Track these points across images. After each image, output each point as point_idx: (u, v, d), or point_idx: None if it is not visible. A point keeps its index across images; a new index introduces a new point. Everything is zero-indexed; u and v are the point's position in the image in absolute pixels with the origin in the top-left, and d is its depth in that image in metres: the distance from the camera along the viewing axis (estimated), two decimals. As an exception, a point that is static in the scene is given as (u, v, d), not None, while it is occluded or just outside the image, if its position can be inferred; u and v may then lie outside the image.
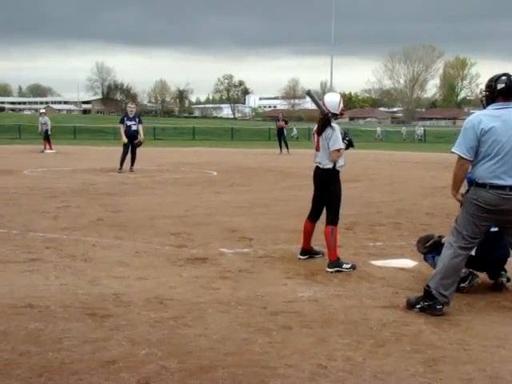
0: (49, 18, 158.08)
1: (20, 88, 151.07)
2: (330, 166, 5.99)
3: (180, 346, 3.73)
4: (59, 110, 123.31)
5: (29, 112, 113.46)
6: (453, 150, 4.47)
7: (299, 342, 3.83)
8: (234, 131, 51.70)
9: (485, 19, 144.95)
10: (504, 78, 4.44)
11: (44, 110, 28.26)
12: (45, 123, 26.25)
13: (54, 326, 4.05)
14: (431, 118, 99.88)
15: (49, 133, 26.35)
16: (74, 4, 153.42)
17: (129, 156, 16.11)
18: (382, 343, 3.84)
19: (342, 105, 6.09)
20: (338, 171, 6.07)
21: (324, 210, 6.13)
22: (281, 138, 27.06)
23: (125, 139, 16.02)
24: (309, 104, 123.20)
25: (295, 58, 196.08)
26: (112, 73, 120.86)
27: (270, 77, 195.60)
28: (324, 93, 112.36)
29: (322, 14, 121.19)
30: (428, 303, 4.49)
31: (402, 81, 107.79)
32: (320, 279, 5.43)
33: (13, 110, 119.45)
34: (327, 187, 6.04)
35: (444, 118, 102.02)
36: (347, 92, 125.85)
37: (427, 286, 4.54)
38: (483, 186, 4.39)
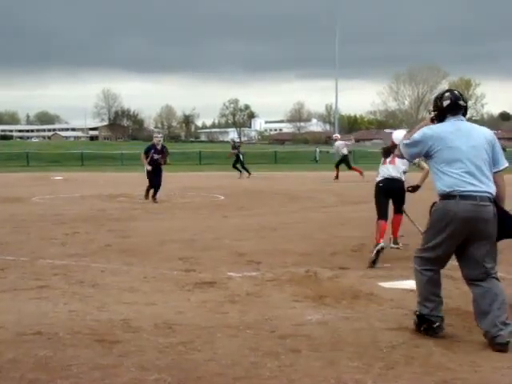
0: (55, 47, 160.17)
1: (28, 116, 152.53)
2: (403, 178, 8.23)
3: (189, 371, 3.72)
4: (67, 137, 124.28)
5: (36, 139, 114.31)
6: (403, 142, 4.63)
7: (308, 366, 3.81)
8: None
9: (488, 40, 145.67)
10: (447, 94, 4.56)
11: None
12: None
13: (63, 352, 4.05)
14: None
15: None
16: (80, 32, 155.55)
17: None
18: (392, 366, 3.81)
19: None
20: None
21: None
22: (238, 163, 26.34)
23: (149, 167, 14.94)
24: (314, 127, 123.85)
25: (300, 82, 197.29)
26: (118, 99, 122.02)
27: (275, 100, 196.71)
28: (330, 114, 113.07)
29: (327, 37, 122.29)
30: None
31: (406, 102, 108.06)
32: (328, 302, 5.41)
33: (21, 137, 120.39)
34: (401, 192, 8.19)
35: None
36: (352, 114, 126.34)
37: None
38: (452, 196, 4.35)
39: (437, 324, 4.45)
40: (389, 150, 8.01)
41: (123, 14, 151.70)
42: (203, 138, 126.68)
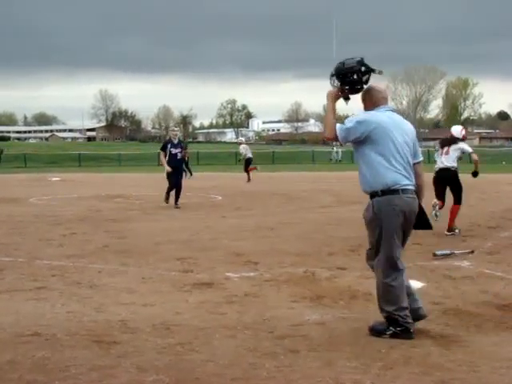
0: (53, 48, 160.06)
1: (25, 117, 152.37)
2: (455, 165, 9.56)
3: (187, 371, 3.72)
4: (64, 138, 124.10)
5: (34, 140, 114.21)
6: (340, 126, 4.41)
7: (306, 366, 3.81)
8: (237, 155, 51.84)
9: (486, 40, 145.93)
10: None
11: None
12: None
13: (61, 354, 4.04)
14: (435, 139, 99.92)
15: None
16: (77, 33, 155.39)
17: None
18: (391, 366, 3.81)
19: (463, 132, 10.09)
20: None
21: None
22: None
23: (168, 168, 13.71)
24: (311, 127, 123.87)
25: (298, 82, 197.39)
26: (115, 100, 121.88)
27: (272, 100, 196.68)
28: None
29: (324, 37, 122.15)
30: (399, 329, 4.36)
31: (404, 102, 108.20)
32: (326, 302, 5.40)
33: (18, 138, 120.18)
34: (453, 179, 9.60)
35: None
36: (349, 114, 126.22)
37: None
38: (396, 191, 4.34)
39: (411, 329, 4.37)
40: (446, 141, 9.80)
41: (120, 14, 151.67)
42: (201, 138, 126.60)
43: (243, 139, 27.55)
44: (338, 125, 4.43)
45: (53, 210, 13.58)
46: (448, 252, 7.61)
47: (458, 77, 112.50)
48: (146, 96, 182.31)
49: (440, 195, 9.54)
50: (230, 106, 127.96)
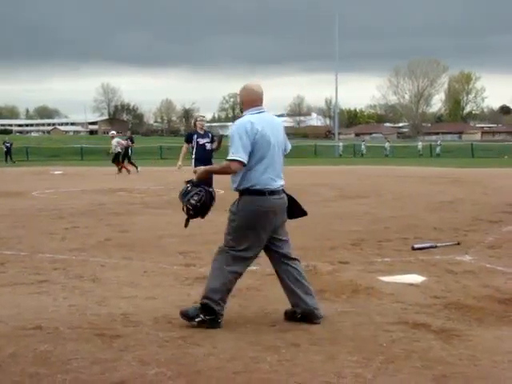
0: (55, 41, 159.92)
1: (27, 110, 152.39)
2: None
3: (189, 365, 3.73)
4: (66, 132, 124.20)
5: (36, 134, 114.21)
6: (234, 157, 4.31)
7: (308, 360, 3.81)
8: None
9: (488, 33, 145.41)
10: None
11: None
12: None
13: (63, 347, 4.05)
14: (437, 133, 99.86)
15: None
16: (80, 27, 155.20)
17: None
18: (392, 360, 3.81)
19: None
20: None
21: None
22: (127, 156, 25.84)
23: (180, 164, 12.36)
24: (314, 121, 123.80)
25: (300, 75, 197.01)
26: (118, 93, 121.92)
27: (275, 94, 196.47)
28: (329, 108, 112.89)
29: (327, 31, 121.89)
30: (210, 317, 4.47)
31: (407, 96, 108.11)
32: (328, 296, 5.41)
33: (20, 132, 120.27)
34: None
35: (450, 133, 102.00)
36: (352, 108, 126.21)
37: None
38: (262, 192, 4.41)
39: (220, 320, 4.49)
40: None
41: (123, 8, 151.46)
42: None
43: (115, 132, 28.13)
44: (233, 157, 4.34)
45: (55, 203, 13.59)
46: (427, 245, 7.62)
47: (461, 71, 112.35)
48: (149, 89, 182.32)
49: None
50: (232, 99, 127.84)
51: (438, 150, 54.04)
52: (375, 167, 32.03)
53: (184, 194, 4.80)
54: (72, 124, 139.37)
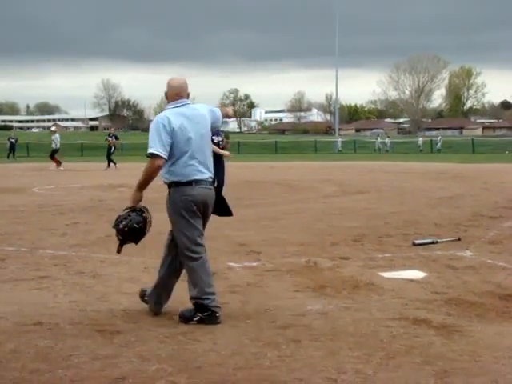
0: (55, 37, 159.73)
1: (28, 106, 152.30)
2: None
3: (189, 361, 3.73)
4: (67, 128, 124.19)
5: (37, 130, 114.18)
6: (151, 151, 4.42)
7: (309, 356, 3.81)
8: (240, 145, 51.85)
9: (489, 29, 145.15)
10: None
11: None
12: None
13: (64, 343, 4.05)
14: (438, 128, 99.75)
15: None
16: (81, 23, 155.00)
17: None
18: (393, 355, 3.81)
19: None
20: None
21: None
22: (109, 154, 26.48)
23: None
24: (314, 116, 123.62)
25: (301, 71, 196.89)
26: (118, 89, 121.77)
27: (275, 90, 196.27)
28: (330, 104, 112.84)
29: (327, 26, 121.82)
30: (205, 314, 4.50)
31: (407, 91, 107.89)
32: (329, 292, 5.41)
33: (21, 128, 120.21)
34: None
35: (450, 128, 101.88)
36: (352, 104, 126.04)
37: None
38: (189, 183, 4.50)
39: (218, 314, 4.52)
40: None
41: (123, 3, 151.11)
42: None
43: (55, 128, 28.80)
44: (150, 151, 4.44)
45: (55, 199, 13.59)
46: (429, 241, 7.61)
47: (462, 66, 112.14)
48: (149, 85, 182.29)
49: None
50: (232, 95, 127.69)
51: (438, 145, 54.03)
52: (375, 163, 32.00)
53: (116, 220, 4.79)
54: (72, 120, 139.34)
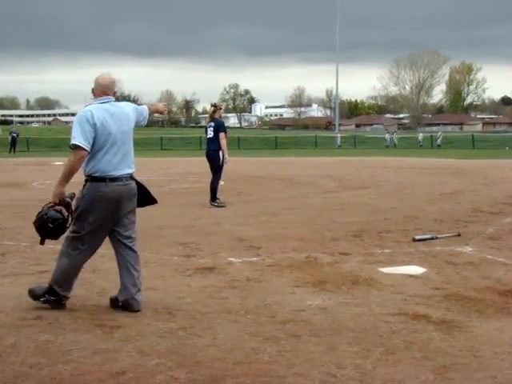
0: (55, 32, 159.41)
1: (28, 101, 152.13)
2: None
3: (189, 356, 3.73)
4: (67, 122, 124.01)
5: (37, 124, 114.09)
6: (73, 142, 4.45)
7: (308, 351, 3.82)
8: (240, 140, 51.83)
9: (490, 24, 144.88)
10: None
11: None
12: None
13: (64, 337, 4.06)
14: (438, 124, 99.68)
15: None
16: (80, 17, 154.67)
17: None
18: (392, 351, 3.82)
19: None
20: None
21: None
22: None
23: (227, 157, 11.25)
24: (314, 112, 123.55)
25: (301, 66, 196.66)
26: (118, 84, 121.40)
27: (275, 85, 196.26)
28: (330, 99, 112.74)
29: (328, 22, 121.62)
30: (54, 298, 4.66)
31: (407, 87, 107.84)
32: (328, 287, 5.41)
33: (21, 122, 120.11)
34: None
35: (451, 124, 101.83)
36: (353, 99, 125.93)
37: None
38: (103, 179, 4.55)
39: (64, 302, 4.71)
40: None
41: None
42: (203, 123, 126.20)
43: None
44: (73, 142, 4.47)
45: (55, 194, 13.56)
46: (428, 236, 7.62)
47: (462, 62, 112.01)
48: (149, 80, 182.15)
49: None
50: (232, 90, 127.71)
51: (438, 141, 54.03)
52: (375, 158, 31.99)
53: (36, 215, 4.80)
54: (73, 115, 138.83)
